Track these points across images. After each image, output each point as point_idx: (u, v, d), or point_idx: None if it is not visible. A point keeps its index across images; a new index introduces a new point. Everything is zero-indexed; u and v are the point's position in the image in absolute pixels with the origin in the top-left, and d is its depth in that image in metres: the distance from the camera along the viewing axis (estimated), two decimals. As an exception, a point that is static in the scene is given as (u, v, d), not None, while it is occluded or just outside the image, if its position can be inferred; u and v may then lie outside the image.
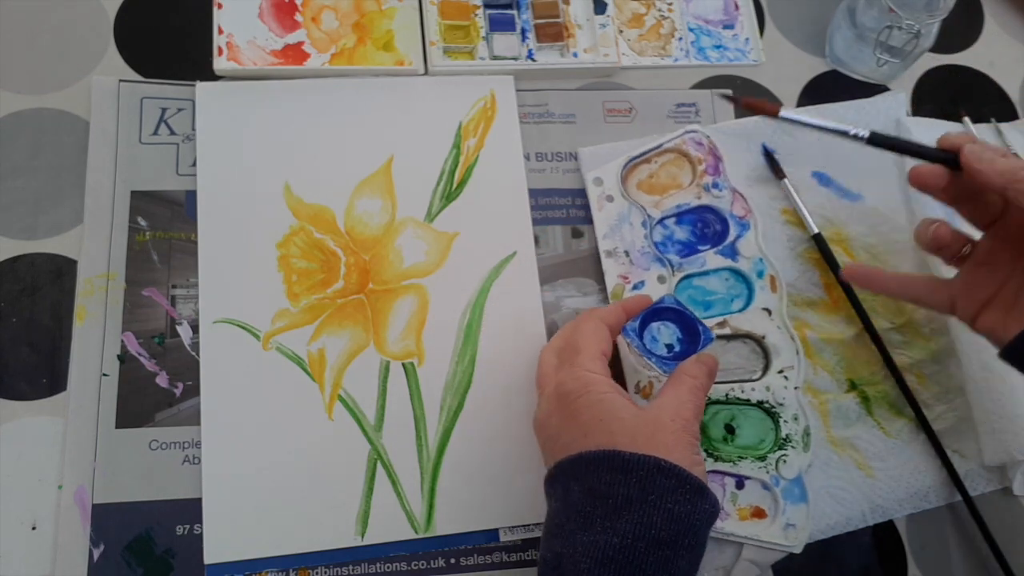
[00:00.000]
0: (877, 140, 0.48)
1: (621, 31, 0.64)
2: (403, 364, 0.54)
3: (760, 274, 0.57)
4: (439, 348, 0.54)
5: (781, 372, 0.55)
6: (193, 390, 0.52)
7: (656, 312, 0.48)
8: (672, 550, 0.38)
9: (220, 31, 0.58)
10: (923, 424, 0.56)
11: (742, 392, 0.54)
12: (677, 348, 0.48)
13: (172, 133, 0.56)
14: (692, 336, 0.49)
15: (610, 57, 0.62)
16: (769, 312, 0.56)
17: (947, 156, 0.46)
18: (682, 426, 0.42)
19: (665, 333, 0.50)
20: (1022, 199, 0.42)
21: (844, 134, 0.48)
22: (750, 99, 0.52)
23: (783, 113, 0.50)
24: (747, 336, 0.56)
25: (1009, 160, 0.43)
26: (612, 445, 0.40)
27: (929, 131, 0.59)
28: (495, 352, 0.54)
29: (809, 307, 0.58)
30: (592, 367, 0.45)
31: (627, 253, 0.57)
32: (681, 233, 0.58)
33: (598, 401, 0.42)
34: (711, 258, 0.57)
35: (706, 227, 0.58)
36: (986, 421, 0.54)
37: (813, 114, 0.61)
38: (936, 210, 0.59)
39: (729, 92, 0.62)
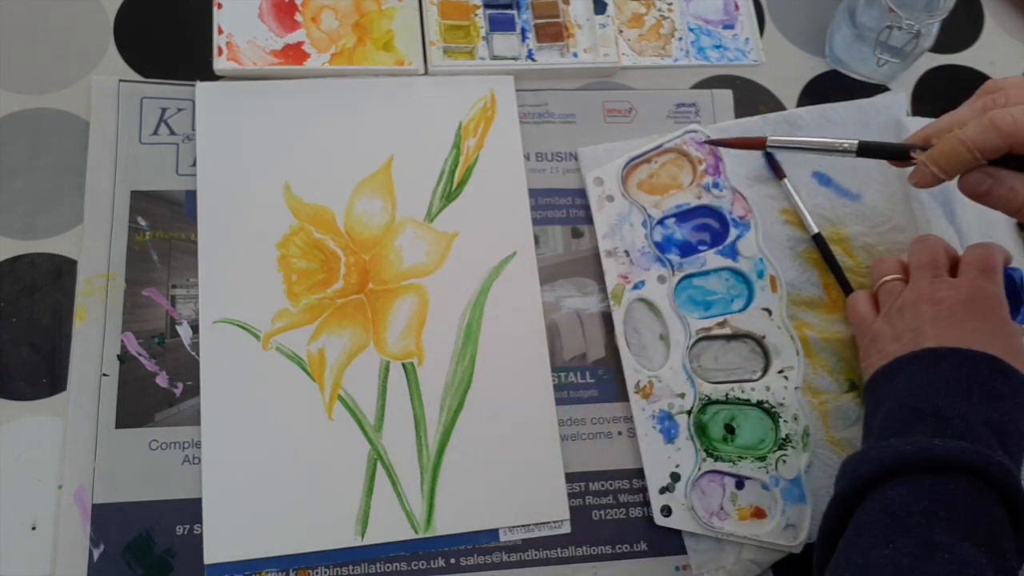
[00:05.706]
0: (866, 150, 0.48)
1: (621, 31, 0.64)
2: (403, 364, 0.54)
3: (760, 274, 0.57)
4: (439, 348, 0.54)
5: (781, 372, 0.55)
6: (193, 390, 0.52)
7: None
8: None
9: (220, 31, 0.58)
10: (923, 424, 0.56)
11: (742, 392, 0.54)
12: None
13: (172, 133, 0.56)
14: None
15: (610, 57, 0.62)
16: (769, 312, 0.56)
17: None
18: None
19: None
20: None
21: (834, 149, 0.48)
22: (733, 140, 0.52)
23: (770, 143, 0.50)
24: (747, 336, 0.56)
25: (957, 145, 0.44)
26: (1000, 351, 0.47)
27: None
28: (495, 352, 0.54)
29: (809, 307, 0.58)
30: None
31: (627, 253, 0.57)
32: (681, 233, 0.58)
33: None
34: (711, 258, 0.57)
35: (706, 227, 0.58)
36: (986, 421, 0.54)
37: (811, 117, 0.62)
38: (935, 210, 0.59)
39: (709, 136, 0.59)
